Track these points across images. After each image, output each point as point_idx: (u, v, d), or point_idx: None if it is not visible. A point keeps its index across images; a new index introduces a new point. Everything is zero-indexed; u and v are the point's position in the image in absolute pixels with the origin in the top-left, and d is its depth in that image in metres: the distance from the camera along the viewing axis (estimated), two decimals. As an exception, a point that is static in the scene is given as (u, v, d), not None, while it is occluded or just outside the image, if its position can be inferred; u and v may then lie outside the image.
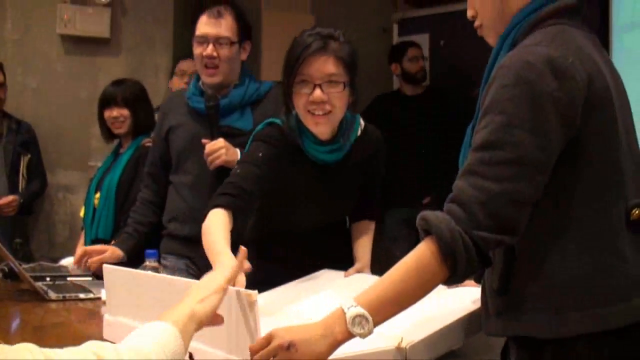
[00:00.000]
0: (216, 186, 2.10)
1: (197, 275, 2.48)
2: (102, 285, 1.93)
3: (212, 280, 1.42)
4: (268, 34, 5.33)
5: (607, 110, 1.46)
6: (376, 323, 1.42)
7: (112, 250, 2.67)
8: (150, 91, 3.54)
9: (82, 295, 2.42)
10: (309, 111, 2.10)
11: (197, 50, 2.60)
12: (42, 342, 1.08)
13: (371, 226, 2.46)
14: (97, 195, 3.26)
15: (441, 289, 1.47)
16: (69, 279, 2.73)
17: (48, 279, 2.65)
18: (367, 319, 1.40)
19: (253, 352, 1.39)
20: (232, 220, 1.97)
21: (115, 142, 3.45)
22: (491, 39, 1.65)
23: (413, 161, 4.69)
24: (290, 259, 2.30)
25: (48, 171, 4.90)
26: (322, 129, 2.15)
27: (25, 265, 2.79)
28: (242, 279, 1.59)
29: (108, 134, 3.41)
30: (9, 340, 1.11)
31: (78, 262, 2.63)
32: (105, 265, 1.79)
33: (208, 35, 2.57)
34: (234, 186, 2.04)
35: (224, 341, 1.47)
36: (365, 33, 5.07)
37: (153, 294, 1.62)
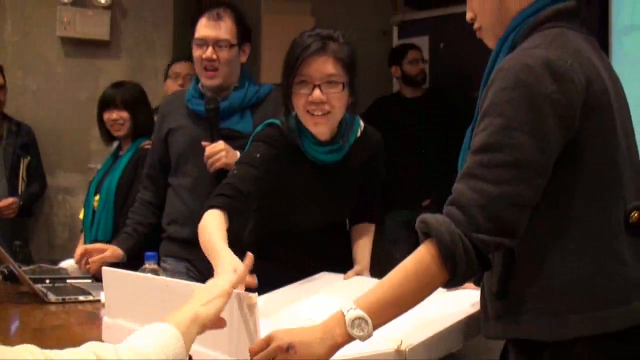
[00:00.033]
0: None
1: (197, 278, 2.48)
2: (101, 288, 1.93)
3: (217, 284, 1.42)
4: (268, 37, 5.33)
5: (606, 112, 1.47)
6: (376, 326, 1.42)
7: (113, 250, 2.66)
8: (149, 93, 3.54)
9: (81, 298, 2.42)
10: (308, 111, 2.11)
11: (196, 52, 2.60)
12: (42, 345, 1.08)
13: (371, 228, 2.46)
14: (97, 197, 3.25)
15: (441, 292, 1.47)
16: (68, 281, 2.72)
17: (47, 281, 2.65)
18: (366, 322, 1.40)
19: (252, 354, 1.40)
20: (227, 220, 1.97)
21: (115, 144, 3.45)
22: (490, 42, 1.65)
23: (413, 163, 4.69)
24: (290, 260, 2.30)
25: (48, 173, 4.90)
26: (321, 129, 2.16)
27: (24, 268, 2.79)
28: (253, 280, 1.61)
29: (107, 136, 3.41)
30: (8, 342, 1.10)
31: (79, 261, 2.62)
32: (104, 268, 1.79)
33: (207, 38, 2.57)
34: (230, 187, 2.04)
35: (223, 343, 1.47)
36: (365, 35, 5.07)
37: (152, 296, 1.62)
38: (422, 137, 4.72)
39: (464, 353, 1.77)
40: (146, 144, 3.16)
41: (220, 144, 2.45)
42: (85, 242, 3.25)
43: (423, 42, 5.19)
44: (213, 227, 1.92)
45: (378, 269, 2.22)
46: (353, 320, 1.40)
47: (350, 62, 2.12)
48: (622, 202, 1.46)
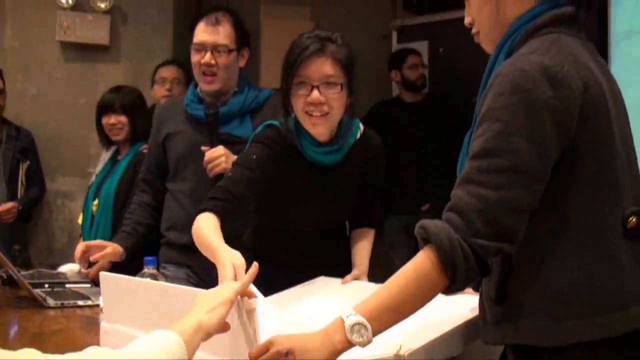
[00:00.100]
0: (216, 194, 2.11)
1: (198, 284, 2.47)
2: (100, 293, 1.93)
3: (220, 291, 1.42)
4: (267, 42, 5.34)
5: (603, 118, 1.47)
6: (375, 332, 1.41)
7: (113, 247, 2.63)
8: (149, 98, 3.54)
9: (80, 302, 2.42)
10: (306, 112, 2.12)
11: (194, 57, 2.60)
12: (41, 349, 1.08)
13: (370, 233, 2.46)
14: (95, 202, 3.26)
15: (440, 297, 1.47)
16: (67, 285, 2.72)
17: (47, 285, 2.64)
18: (366, 328, 1.40)
19: (252, 359, 1.40)
20: (220, 223, 1.98)
21: (112, 149, 3.45)
22: (488, 47, 1.65)
23: (412, 167, 4.69)
24: (290, 261, 2.31)
25: (47, 178, 4.90)
26: (319, 129, 2.17)
27: (23, 272, 2.78)
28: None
29: (106, 140, 3.41)
30: (7, 347, 1.10)
31: (80, 258, 2.60)
32: (102, 273, 1.79)
33: (206, 43, 2.56)
34: (223, 190, 2.05)
35: (224, 348, 1.47)
36: (364, 40, 5.08)
37: (150, 301, 1.62)
38: (421, 142, 4.72)
39: (463, 358, 1.77)
40: (145, 148, 3.16)
41: (220, 149, 2.45)
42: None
43: (422, 47, 5.19)
44: (207, 227, 1.94)
45: (377, 273, 2.22)
46: (352, 326, 1.40)
47: (348, 63, 2.13)
48: (620, 207, 1.46)
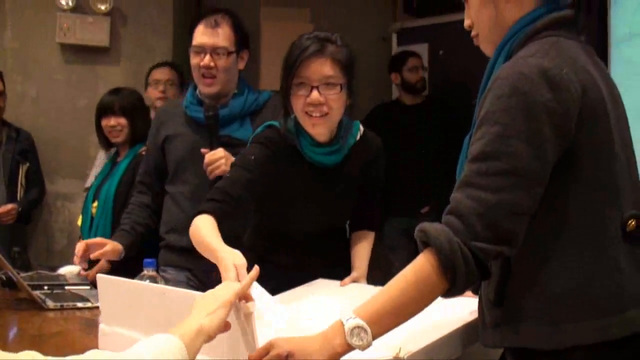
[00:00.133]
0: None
1: (198, 288, 2.47)
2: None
3: (220, 293, 1.42)
4: (267, 44, 5.34)
5: (602, 121, 1.47)
6: (375, 335, 1.41)
7: (113, 245, 2.61)
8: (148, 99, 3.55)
9: (80, 304, 2.42)
10: (306, 113, 2.13)
11: (194, 60, 2.59)
12: (40, 351, 1.08)
13: (370, 236, 2.47)
14: (95, 204, 3.25)
15: (439, 300, 1.47)
16: (67, 287, 2.72)
17: (46, 287, 2.64)
18: (365, 331, 1.40)
19: (252, 361, 1.40)
20: (217, 224, 1.98)
21: (112, 150, 3.45)
22: (487, 49, 1.66)
23: (412, 170, 4.69)
24: (290, 263, 2.31)
25: (47, 179, 4.90)
26: (319, 130, 2.17)
27: (23, 274, 2.78)
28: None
29: (105, 142, 3.41)
30: (7, 349, 1.10)
31: (81, 257, 2.58)
32: (99, 275, 1.78)
33: (205, 45, 2.56)
34: (220, 192, 2.06)
35: (222, 351, 1.47)
36: (364, 42, 5.08)
37: (148, 303, 1.62)
38: (421, 144, 4.73)
39: (463, 360, 1.77)
40: (144, 150, 3.16)
41: (220, 152, 2.44)
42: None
43: (422, 49, 5.19)
44: (205, 228, 1.95)
45: (377, 275, 2.22)
46: (352, 330, 1.40)
47: (348, 64, 2.14)
48: (619, 210, 1.46)
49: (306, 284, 2.22)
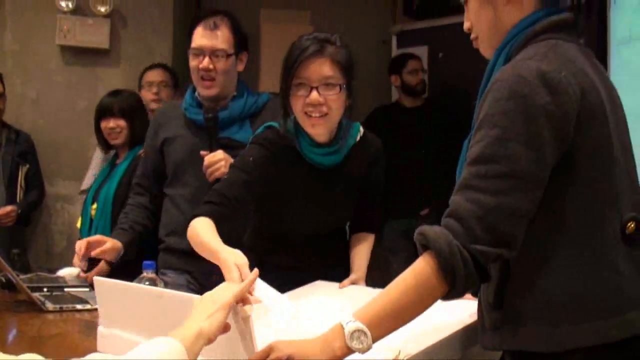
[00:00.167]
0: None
1: (198, 291, 2.46)
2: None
3: (219, 295, 1.42)
4: (267, 46, 5.34)
5: (601, 124, 1.47)
6: (375, 338, 1.42)
7: (112, 242, 2.60)
8: (148, 101, 3.55)
9: (79, 306, 2.41)
10: (306, 113, 2.13)
11: (193, 62, 2.59)
12: (39, 353, 1.08)
13: (370, 238, 2.47)
14: (94, 205, 3.25)
15: (439, 302, 1.47)
16: (66, 289, 2.71)
17: (45, 289, 2.63)
18: (365, 334, 1.40)
19: (252, 364, 1.40)
20: (215, 226, 1.98)
21: (111, 152, 3.45)
22: (486, 52, 1.66)
23: (412, 172, 4.70)
24: (290, 263, 2.31)
25: (46, 181, 4.90)
26: (319, 130, 2.17)
27: (22, 276, 2.77)
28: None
29: (105, 144, 3.41)
30: (6, 351, 1.10)
31: (82, 256, 2.58)
32: (95, 278, 1.78)
33: (204, 48, 2.56)
34: (217, 194, 2.07)
35: (221, 352, 1.46)
36: (364, 44, 5.08)
37: (145, 306, 1.62)
38: (421, 147, 4.73)
39: (462, 363, 1.77)
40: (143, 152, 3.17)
41: (220, 154, 2.44)
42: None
43: (422, 51, 5.20)
44: (204, 229, 1.95)
45: (376, 277, 2.22)
46: (352, 333, 1.40)
47: (347, 65, 2.14)
48: (618, 212, 1.47)
49: (305, 286, 2.22)
